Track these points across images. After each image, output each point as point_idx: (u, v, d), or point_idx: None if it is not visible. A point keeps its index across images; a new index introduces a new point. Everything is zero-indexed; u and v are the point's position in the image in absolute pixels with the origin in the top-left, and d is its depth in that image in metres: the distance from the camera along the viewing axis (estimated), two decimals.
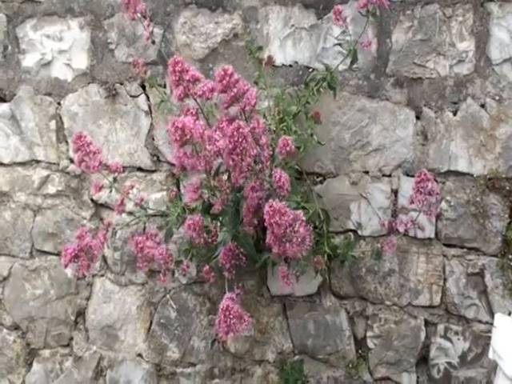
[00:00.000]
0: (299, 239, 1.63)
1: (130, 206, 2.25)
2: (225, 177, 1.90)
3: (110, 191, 2.05)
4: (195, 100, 1.81)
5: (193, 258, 2.14)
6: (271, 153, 1.83)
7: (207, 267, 2.00)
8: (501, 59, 2.24)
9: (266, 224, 1.61)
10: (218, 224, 2.00)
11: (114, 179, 2.05)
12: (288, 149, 1.80)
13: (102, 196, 2.53)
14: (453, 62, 2.27)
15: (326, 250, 2.20)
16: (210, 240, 1.93)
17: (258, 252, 2.06)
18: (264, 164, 1.76)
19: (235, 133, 1.64)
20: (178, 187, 2.48)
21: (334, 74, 2.19)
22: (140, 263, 1.95)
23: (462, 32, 2.25)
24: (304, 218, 1.65)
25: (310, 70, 2.36)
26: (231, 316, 1.75)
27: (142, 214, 2.16)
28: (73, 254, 1.91)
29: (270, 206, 1.58)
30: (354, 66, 2.23)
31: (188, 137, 1.61)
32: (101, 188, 2.04)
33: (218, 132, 1.70)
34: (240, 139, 1.64)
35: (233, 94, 1.74)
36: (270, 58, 2.22)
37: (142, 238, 1.95)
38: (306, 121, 2.22)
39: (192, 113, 1.84)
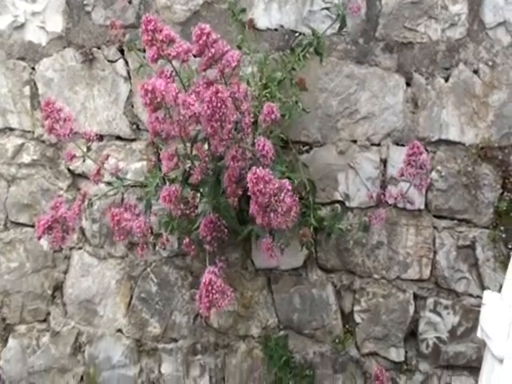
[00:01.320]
0: (284, 209, 1.58)
1: (108, 177, 2.16)
2: (205, 145, 1.85)
3: (83, 161, 2.02)
4: (170, 62, 1.74)
5: (173, 231, 2.10)
6: (253, 120, 1.78)
7: (187, 240, 1.98)
8: (495, 23, 2.21)
9: (249, 193, 1.56)
10: (198, 195, 1.96)
11: (88, 148, 2.01)
12: (273, 116, 1.77)
13: (79, 166, 2.49)
14: (445, 26, 2.24)
15: (312, 222, 2.16)
16: (187, 211, 1.89)
17: (241, 224, 2.02)
18: (245, 131, 1.72)
19: (213, 97, 1.58)
20: (158, 157, 2.41)
21: (321, 39, 2.14)
22: (117, 236, 1.92)
23: None
24: (290, 187, 1.60)
25: (297, 34, 2.31)
26: (214, 291, 1.70)
27: (118, 185, 2.11)
28: (46, 225, 1.88)
29: (254, 174, 1.53)
30: (343, 30, 2.17)
31: (159, 100, 1.55)
32: (73, 157, 2.01)
33: (193, 96, 1.64)
34: (219, 104, 1.59)
35: (210, 54, 1.68)
36: (251, 20, 2.19)
37: (118, 210, 1.92)
38: (290, 87, 2.17)
39: (166, 75, 1.78)
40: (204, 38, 1.66)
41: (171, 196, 1.82)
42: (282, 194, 1.58)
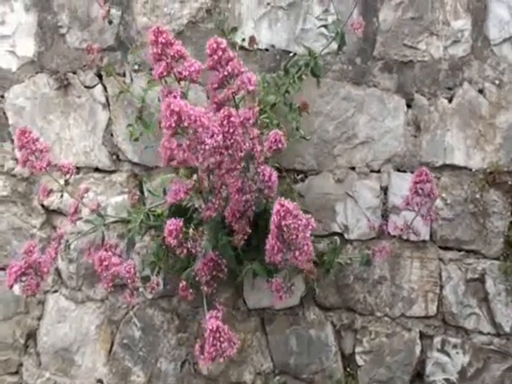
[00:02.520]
0: (310, 248, 1.51)
1: (86, 212, 2.07)
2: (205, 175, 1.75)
3: (61, 196, 1.94)
4: (178, 82, 1.65)
5: (160, 271, 2.05)
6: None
7: (183, 283, 1.86)
8: (500, 39, 2.19)
9: (272, 226, 1.48)
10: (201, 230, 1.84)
11: (66, 182, 1.92)
12: (280, 145, 1.66)
13: (54, 201, 2.39)
14: (447, 43, 2.21)
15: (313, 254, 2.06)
16: (194, 250, 1.76)
17: (237, 264, 1.93)
18: (257, 161, 1.63)
19: (225, 122, 1.49)
20: (141, 190, 2.34)
21: (317, 60, 2.08)
22: (105, 283, 1.81)
23: (457, 8, 2.19)
24: (314, 225, 1.51)
25: (290, 54, 2.23)
26: (221, 339, 1.61)
27: (99, 223, 2.00)
28: (19, 272, 1.78)
29: (282, 206, 1.44)
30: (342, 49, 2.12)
31: (186, 124, 1.43)
32: (49, 192, 1.94)
33: (216, 124, 1.53)
34: (231, 130, 1.49)
35: (226, 73, 1.58)
36: (252, 38, 2.15)
37: (106, 254, 1.82)
38: (289, 112, 2.11)
39: (175, 96, 1.63)
40: (220, 53, 1.57)
41: (178, 231, 1.68)
42: (308, 232, 1.49)
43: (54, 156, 2.32)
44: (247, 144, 1.57)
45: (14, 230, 2.48)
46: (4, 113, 2.47)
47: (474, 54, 2.18)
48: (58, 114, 2.42)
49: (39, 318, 2.53)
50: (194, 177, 1.74)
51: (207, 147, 1.47)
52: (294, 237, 1.46)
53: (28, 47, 2.41)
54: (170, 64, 1.61)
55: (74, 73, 2.40)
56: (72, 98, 2.41)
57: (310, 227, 1.51)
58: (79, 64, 2.39)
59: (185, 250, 1.73)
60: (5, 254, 2.49)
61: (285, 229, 1.45)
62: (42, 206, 2.46)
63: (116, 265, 1.80)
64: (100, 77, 2.39)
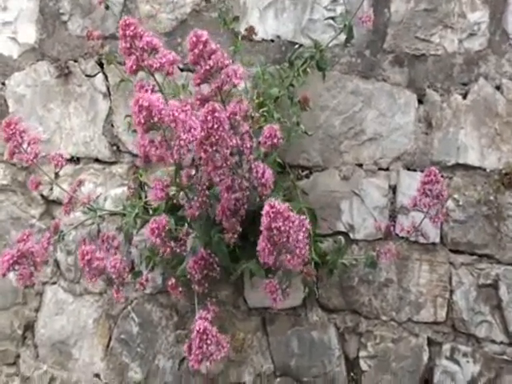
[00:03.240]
0: (303, 251, 1.47)
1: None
2: (192, 171, 1.72)
3: (51, 189, 2.00)
4: (151, 75, 1.61)
5: (155, 267, 2.04)
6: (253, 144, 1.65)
7: (173, 280, 1.84)
8: None
9: (262, 228, 1.43)
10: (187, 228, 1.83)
11: (56, 174, 1.98)
12: (275, 141, 1.63)
13: (53, 191, 2.41)
14: (462, 36, 2.15)
15: (313, 256, 2.02)
16: (177, 249, 1.75)
17: (232, 261, 1.89)
18: (246, 157, 1.59)
19: (209, 117, 1.45)
20: (140, 183, 2.33)
21: (324, 53, 2.04)
22: (88, 277, 1.79)
23: (474, 0, 2.11)
24: (309, 226, 1.49)
25: (296, 45, 2.21)
26: (208, 341, 1.57)
27: (91, 215, 2.00)
28: (11, 261, 1.76)
29: (272, 207, 1.40)
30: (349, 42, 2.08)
31: (156, 119, 1.40)
32: (38, 184, 1.91)
33: (194, 118, 1.49)
34: (215, 126, 1.46)
35: (208, 67, 1.54)
36: (251, 29, 2.10)
37: (90, 248, 1.79)
38: (290, 106, 2.07)
39: (147, 90, 1.63)
40: (200, 46, 1.53)
41: (160, 229, 1.67)
42: (301, 233, 1.46)
43: (53, 146, 2.40)
44: (234, 140, 1.53)
45: (13, 220, 2.52)
46: (5, 100, 2.51)
47: (491, 48, 2.12)
48: (59, 102, 2.44)
49: (37, 310, 2.57)
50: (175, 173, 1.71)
51: (182, 143, 1.44)
52: (285, 239, 1.42)
53: (29, 34, 2.45)
54: (140, 57, 1.57)
55: (75, 61, 2.42)
56: (73, 87, 2.43)
57: (304, 229, 1.47)
58: (80, 52, 2.41)
59: (168, 249, 1.71)
60: (4, 244, 2.51)
61: (275, 231, 1.41)
62: (42, 196, 2.49)
63: (100, 259, 1.78)
64: (101, 66, 2.41)
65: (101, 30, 2.26)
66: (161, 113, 1.41)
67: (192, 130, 1.45)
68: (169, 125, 1.42)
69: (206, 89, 1.61)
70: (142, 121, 1.41)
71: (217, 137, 1.47)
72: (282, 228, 1.40)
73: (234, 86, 1.57)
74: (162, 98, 1.47)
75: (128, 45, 1.57)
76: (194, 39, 1.52)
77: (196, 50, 1.52)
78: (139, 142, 1.51)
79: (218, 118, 1.46)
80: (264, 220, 1.41)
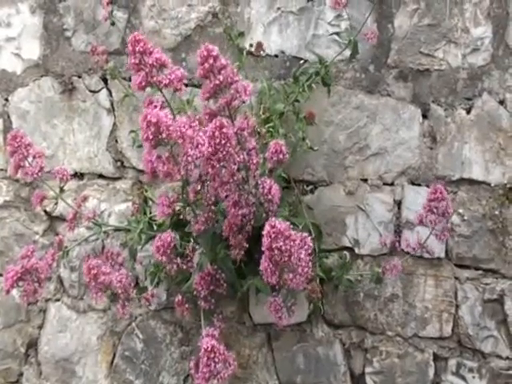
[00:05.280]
0: (305, 270, 1.48)
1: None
2: (198, 187, 1.74)
3: (55, 204, 1.94)
4: (160, 91, 1.63)
5: (160, 283, 2.05)
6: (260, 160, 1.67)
7: (179, 297, 1.86)
8: None
9: (263, 248, 1.44)
10: (193, 245, 1.86)
11: (61, 189, 1.92)
12: (280, 156, 1.65)
13: (57, 207, 2.34)
14: (466, 51, 2.18)
15: (318, 272, 2.06)
16: (184, 266, 1.78)
17: (238, 277, 1.92)
18: (253, 173, 1.61)
19: (217, 133, 1.47)
20: (145, 198, 2.33)
21: (329, 68, 2.08)
22: (93, 292, 1.80)
23: (477, 15, 2.16)
24: (311, 244, 1.51)
25: (300, 61, 2.26)
26: (216, 359, 1.58)
27: (96, 231, 2.01)
28: (15, 277, 1.76)
29: (272, 227, 1.41)
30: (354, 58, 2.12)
31: (164, 136, 1.43)
32: (43, 199, 1.92)
33: (201, 133, 1.53)
34: (223, 141, 1.47)
35: (217, 82, 1.54)
36: (259, 44, 2.15)
37: (96, 262, 1.79)
38: (296, 121, 2.10)
39: (155, 106, 1.64)
40: (210, 61, 1.53)
41: (166, 247, 1.69)
42: (303, 252, 1.47)
43: (57, 161, 2.42)
44: (241, 156, 1.55)
45: (17, 236, 2.53)
46: (8, 116, 2.52)
47: (494, 63, 2.14)
48: (63, 118, 2.46)
49: (40, 327, 2.57)
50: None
51: (190, 159, 1.47)
52: (287, 259, 1.43)
53: (33, 50, 2.46)
54: (148, 73, 1.59)
55: (79, 77, 2.44)
56: (77, 103, 2.44)
57: (306, 247, 1.49)
58: (84, 68, 2.42)
59: (175, 266, 1.74)
60: (7, 261, 2.52)
61: (276, 251, 1.41)
62: (45, 212, 2.50)
63: (106, 274, 1.79)
64: (105, 81, 2.42)
65: (105, 46, 2.30)
66: (169, 129, 1.43)
67: (199, 146, 1.48)
68: (176, 141, 1.45)
69: (212, 103, 1.62)
70: (150, 136, 1.44)
71: (224, 152, 1.48)
72: (283, 248, 1.41)
73: (243, 102, 1.58)
74: (169, 113, 1.50)
75: (137, 61, 1.58)
76: (205, 53, 1.53)
77: (206, 65, 1.53)
78: (146, 158, 1.53)
79: (226, 134, 1.47)
80: (265, 240, 1.42)
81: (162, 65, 1.62)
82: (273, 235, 1.40)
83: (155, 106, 1.62)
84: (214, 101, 1.59)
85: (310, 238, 1.52)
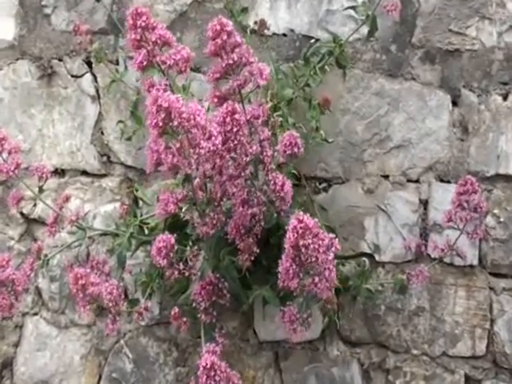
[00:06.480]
0: (332, 274, 1.38)
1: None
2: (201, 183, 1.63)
3: (34, 205, 1.89)
4: (163, 72, 1.53)
5: (153, 294, 1.96)
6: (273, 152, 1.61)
7: (176, 310, 1.75)
8: None
9: (286, 245, 1.33)
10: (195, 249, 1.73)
11: (40, 188, 1.84)
12: (295, 150, 1.56)
13: (35, 209, 2.24)
14: (502, 29, 2.11)
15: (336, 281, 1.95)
16: (187, 273, 1.64)
17: (244, 288, 1.82)
18: (266, 167, 1.53)
19: (228, 119, 1.40)
20: (135, 198, 2.26)
21: (344, 48, 1.99)
22: (81, 305, 1.67)
23: None
24: (339, 247, 1.40)
25: (311, 40, 2.17)
26: (217, 377, 1.50)
27: (80, 236, 1.91)
28: None
29: (300, 221, 1.30)
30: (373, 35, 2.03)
31: (176, 123, 1.32)
32: (20, 200, 1.86)
33: (214, 124, 1.43)
34: (234, 129, 1.41)
35: (231, 61, 1.45)
36: (262, 22, 2.07)
37: (83, 271, 1.67)
38: (308, 109, 2.00)
39: (158, 90, 1.50)
40: (224, 37, 1.44)
41: (169, 249, 1.56)
42: (331, 254, 1.37)
43: (35, 156, 2.34)
44: (254, 147, 1.46)
45: None
46: None
47: None
48: (41, 107, 2.38)
49: (16, 345, 2.45)
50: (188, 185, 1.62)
51: (202, 151, 1.37)
52: (314, 259, 1.32)
53: (7, 29, 2.39)
54: (151, 52, 1.50)
55: (60, 60, 2.36)
56: (57, 89, 2.36)
57: (334, 249, 1.38)
58: (66, 50, 2.35)
59: (176, 272, 1.60)
60: None
61: (303, 249, 1.31)
62: (21, 214, 2.40)
63: (95, 284, 1.66)
64: (89, 65, 2.35)
65: (89, 25, 2.20)
66: (181, 116, 1.32)
67: (212, 139, 1.39)
68: (188, 130, 1.34)
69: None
70: (160, 123, 1.32)
71: (236, 142, 1.41)
72: (311, 246, 1.31)
73: (258, 86, 1.50)
74: (181, 98, 1.39)
75: (138, 37, 1.49)
76: (218, 27, 1.44)
77: (218, 41, 1.44)
78: (152, 147, 1.42)
79: (238, 121, 1.40)
80: (290, 236, 1.31)
81: (166, 43, 1.54)
82: (300, 231, 1.31)
83: (158, 90, 1.48)
84: (224, 83, 1.52)
85: (337, 240, 1.42)
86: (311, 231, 1.31)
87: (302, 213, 1.34)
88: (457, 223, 1.85)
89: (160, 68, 1.52)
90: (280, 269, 1.40)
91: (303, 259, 1.33)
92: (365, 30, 1.99)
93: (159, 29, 1.52)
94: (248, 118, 1.49)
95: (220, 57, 1.48)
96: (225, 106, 1.42)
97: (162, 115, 1.33)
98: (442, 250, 1.94)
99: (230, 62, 1.46)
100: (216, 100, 1.53)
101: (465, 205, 1.82)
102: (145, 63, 1.51)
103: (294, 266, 1.37)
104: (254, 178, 1.55)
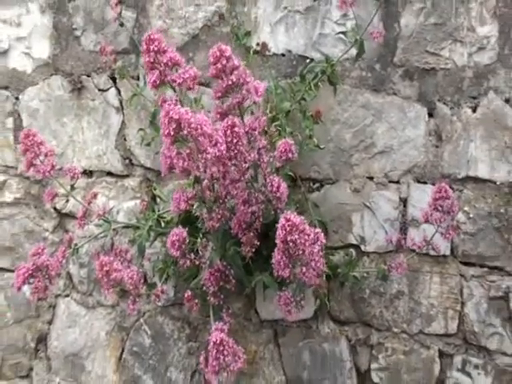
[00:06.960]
0: (318, 264, 1.52)
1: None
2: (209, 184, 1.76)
3: (67, 201, 1.98)
4: (173, 89, 1.67)
5: (169, 278, 2.08)
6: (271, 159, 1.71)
7: (189, 293, 1.88)
8: None
9: (277, 241, 1.48)
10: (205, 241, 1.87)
11: (72, 186, 1.96)
12: (290, 155, 1.69)
13: (67, 204, 2.39)
14: (472, 50, 2.17)
15: (324, 269, 2.06)
16: (197, 262, 1.80)
17: (247, 274, 1.94)
18: (263, 171, 1.65)
19: (229, 132, 1.53)
20: (153, 196, 2.40)
21: (335, 67, 2.10)
22: (105, 288, 1.82)
23: (483, 14, 2.15)
24: (324, 240, 1.55)
25: (307, 60, 2.27)
26: (225, 352, 1.62)
27: (105, 228, 2.05)
28: (26, 274, 1.81)
29: (288, 220, 1.45)
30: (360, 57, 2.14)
31: (185, 132, 1.46)
32: (54, 196, 1.96)
33: (220, 132, 1.56)
34: (234, 140, 1.53)
35: (230, 82, 1.60)
36: (264, 45, 2.17)
37: (108, 259, 1.81)
38: (302, 120, 2.13)
39: (169, 104, 1.68)
40: (224, 61, 1.59)
41: (181, 242, 1.73)
42: (316, 246, 1.51)
43: (66, 159, 2.45)
44: (252, 155, 1.59)
45: (27, 233, 2.56)
46: (19, 115, 2.55)
47: (500, 62, 2.14)
48: (72, 116, 2.49)
49: (50, 323, 2.61)
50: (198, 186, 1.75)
51: (209, 156, 1.50)
52: (301, 252, 1.46)
53: (43, 49, 2.49)
54: (163, 72, 1.63)
55: (88, 75, 2.47)
56: (86, 101, 2.47)
57: (319, 242, 1.52)
58: (93, 67, 2.45)
59: (188, 262, 1.76)
60: (17, 257, 2.57)
61: (291, 244, 1.45)
62: (55, 209, 2.53)
63: (118, 270, 1.80)
64: (114, 80, 2.45)
65: (113, 45, 2.33)
66: (190, 126, 1.45)
67: (218, 145, 1.51)
68: (196, 138, 1.47)
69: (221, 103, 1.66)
70: (172, 133, 1.46)
71: (235, 151, 1.53)
72: (298, 241, 1.44)
73: (254, 102, 1.63)
74: (190, 111, 1.50)
75: (152, 59, 1.62)
76: (218, 54, 1.58)
77: (219, 65, 1.58)
78: (165, 154, 1.57)
79: (238, 133, 1.52)
80: (280, 233, 1.45)
81: (176, 64, 1.66)
82: (288, 228, 1.44)
83: (169, 104, 1.61)
84: (225, 99, 1.64)
85: (322, 234, 1.55)
86: (298, 228, 1.43)
87: (289, 212, 1.46)
88: (433, 223, 1.92)
89: (171, 85, 1.65)
90: (273, 260, 1.53)
91: (292, 252, 1.46)
92: (353, 51, 2.07)
93: (170, 52, 1.65)
94: (247, 129, 1.60)
95: (221, 79, 1.60)
96: (226, 120, 1.54)
97: (173, 125, 1.45)
98: (419, 247, 2.00)
99: (230, 82, 1.59)
100: (219, 116, 1.64)
101: (439, 208, 1.90)
102: (158, 82, 1.64)
103: (285, 258, 1.49)
104: (253, 180, 1.66)
